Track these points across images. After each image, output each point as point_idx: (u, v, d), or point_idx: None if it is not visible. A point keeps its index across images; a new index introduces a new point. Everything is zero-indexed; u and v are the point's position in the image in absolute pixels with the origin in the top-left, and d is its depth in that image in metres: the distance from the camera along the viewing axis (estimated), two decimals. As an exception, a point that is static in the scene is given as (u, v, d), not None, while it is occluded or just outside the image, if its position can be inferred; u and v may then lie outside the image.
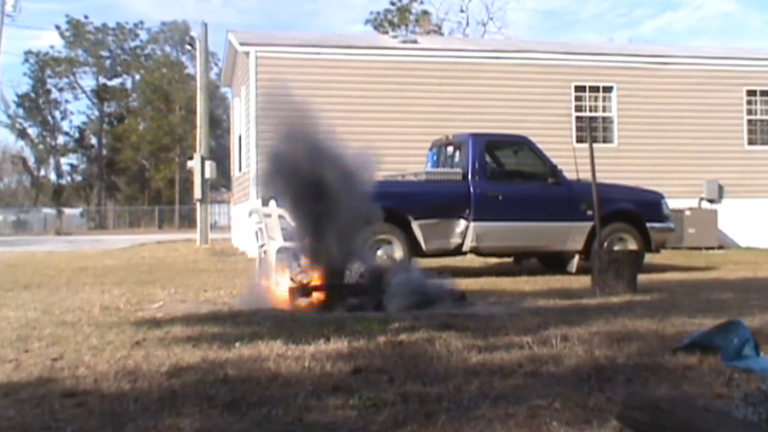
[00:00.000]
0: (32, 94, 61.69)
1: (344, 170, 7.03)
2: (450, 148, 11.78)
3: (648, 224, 11.41)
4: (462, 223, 10.73)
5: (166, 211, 57.93)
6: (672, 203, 12.99)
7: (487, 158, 11.41)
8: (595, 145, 9.43)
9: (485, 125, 14.71)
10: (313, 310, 6.75)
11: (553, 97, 17.73)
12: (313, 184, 6.90)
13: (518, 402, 3.54)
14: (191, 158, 22.98)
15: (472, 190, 10.80)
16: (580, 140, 16.81)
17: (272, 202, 10.46)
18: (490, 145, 11.62)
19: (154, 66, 61.88)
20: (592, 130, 15.49)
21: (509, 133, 13.03)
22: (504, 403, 3.52)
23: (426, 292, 6.96)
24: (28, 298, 8.04)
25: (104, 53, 62.61)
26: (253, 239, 10.43)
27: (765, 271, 11.58)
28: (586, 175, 9.82)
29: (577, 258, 11.12)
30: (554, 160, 11.48)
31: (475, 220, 10.73)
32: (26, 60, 61.03)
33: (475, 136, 11.37)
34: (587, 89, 18.19)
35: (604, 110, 18.34)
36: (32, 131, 63.47)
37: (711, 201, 18.29)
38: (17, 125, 61.91)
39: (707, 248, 16.76)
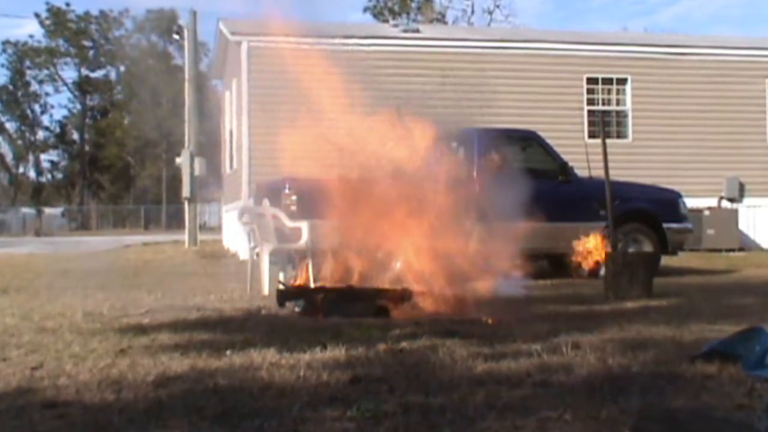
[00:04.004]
0: (10, 87, 61.73)
1: None
2: (454, 144, 11.78)
3: (664, 225, 11.40)
4: (467, 224, 10.72)
5: (153, 211, 57.95)
6: (690, 202, 13.00)
7: (494, 154, 11.40)
8: (608, 141, 9.45)
9: (491, 120, 14.71)
10: (308, 315, 6.77)
11: (563, 90, 17.74)
12: None
13: (527, 413, 3.54)
14: (179, 155, 22.99)
15: (477, 188, 10.78)
16: (592, 135, 16.81)
17: (265, 201, 10.47)
18: (497, 140, 11.61)
19: (139, 57, 61.83)
20: (605, 124, 15.46)
21: (517, 128, 13.03)
22: (511, 415, 3.52)
23: None
24: (6, 303, 8.04)
25: (87, 43, 62.59)
26: (245, 241, 10.43)
27: (789, 274, 11.59)
28: (598, 173, 9.82)
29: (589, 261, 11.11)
30: (565, 157, 11.48)
31: (480, 219, 10.71)
32: (4, 50, 61.15)
33: (480, 130, 11.36)
34: (600, 81, 18.20)
35: (617, 104, 18.34)
36: (10, 126, 63.63)
37: (731, 200, 18.29)
38: (-6, 120, 62.00)
39: (727, 250, 16.77)
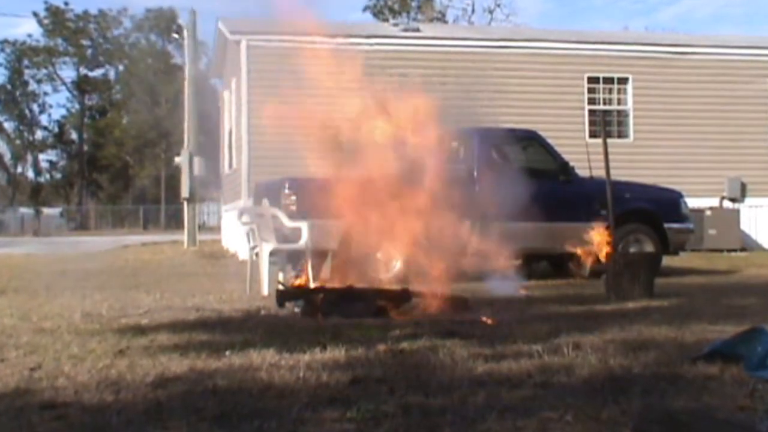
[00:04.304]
0: (8, 86, 61.67)
1: None
2: (454, 143, 11.77)
3: (666, 225, 11.40)
4: (467, 224, 10.72)
5: (152, 211, 57.92)
6: (691, 202, 12.99)
7: (494, 154, 11.41)
8: (609, 141, 9.45)
9: (492, 119, 14.69)
10: (308, 315, 6.77)
11: (564, 89, 17.74)
12: None
13: (527, 414, 3.54)
14: (178, 154, 22.99)
15: (477, 188, 10.79)
16: (593, 135, 16.81)
17: (265, 201, 10.48)
18: (497, 140, 11.61)
19: (138, 56, 61.82)
20: (606, 124, 15.50)
21: (517, 128, 13.03)
22: (512, 416, 3.52)
23: None
24: (4, 304, 8.04)
25: (85, 42, 62.53)
26: (244, 241, 10.44)
27: (791, 274, 11.59)
28: (599, 172, 9.82)
29: (590, 261, 11.10)
30: (566, 157, 11.47)
31: (480, 220, 10.71)
32: (2, 50, 60.99)
33: (481, 130, 11.36)
34: (601, 81, 18.20)
35: (619, 103, 18.34)
36: (8, 126, 63.53)
37: (733, 200, 18.28)
38: (-8, 119, 61.97)
39: (729, 250, 16.77)
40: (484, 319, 6.41)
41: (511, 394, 3.92)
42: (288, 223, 9.31)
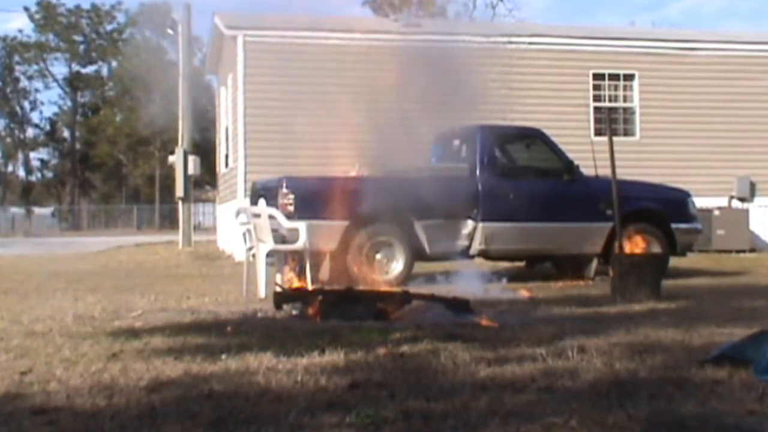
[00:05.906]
0: (-1, 83, 61.75)
1: None
2: (456, 141, 11.78)
3: (673, 225, 11.40)
4: (469, 224, 10.74)
5: (146, 211, 57.96)
6: (699, 202, 12.99)
7: (497, 152, 11.41)
8: (615, 139, 9.45)
9: (494, 116, 14.68)
10: (306, 318, 6.77)
11: (569, 86, 17.73)
12: None
13: (531, 419, 3.54)
14: (173, 153, 22.98)
15: (480, 187, 10.80)
16: (598, 133, 16.81)
17: (261, 201, 10.48)
18: (501, 138, 11.61)
19: (132, 52, 61.77)
20: (611, 121, 15.49)
21: (521, 125, 13.03)
22: (515, 421, 3.52)
23: None
24: (-6, 306, 8.04)
25: (78, 38, 62.54)
26: (240, 241, 10.44)
27: (801, 276, 11.59)
28: (605, 171, 9.82)
29: (595, 262, 11.12)
30: (570, 155, 11.47)
31: (483, 220, 10.73)
32: (-8, 45, 61.08)
33: (483, 128, 11.36)
34: (607, 77, 18.19)
35: (624, 100, 18.33)
36: (-2, 123, 63.55)
37: (742, 200, 18.28)
38: (-18, 117, 61.97)
39: (738, 251, 16.77)
40: (484, 322, 6.41)
41: (514, 399, 3.92)
42: (286, 223, 9.31)
